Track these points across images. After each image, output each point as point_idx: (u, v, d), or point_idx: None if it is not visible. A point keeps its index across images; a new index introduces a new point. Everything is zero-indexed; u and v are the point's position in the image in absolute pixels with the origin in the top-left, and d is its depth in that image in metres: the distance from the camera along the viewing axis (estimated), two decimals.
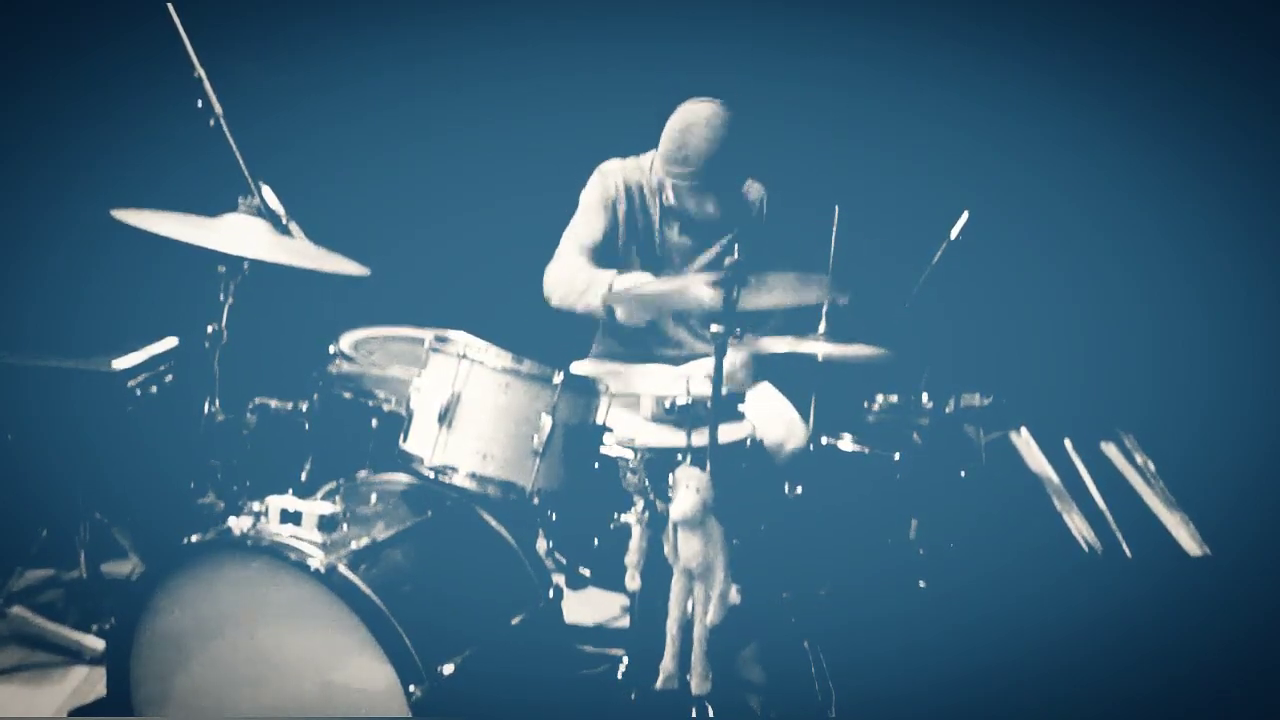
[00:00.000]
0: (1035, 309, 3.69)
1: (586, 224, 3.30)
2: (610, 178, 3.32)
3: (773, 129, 3.64)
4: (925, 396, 3.05)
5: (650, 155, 3.34)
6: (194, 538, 2.24)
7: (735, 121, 3.11)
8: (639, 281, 3.15)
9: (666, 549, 2.45)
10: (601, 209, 3.30)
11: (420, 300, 3.27)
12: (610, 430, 2.59)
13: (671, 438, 2.59)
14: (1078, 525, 3.06)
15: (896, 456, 2.99)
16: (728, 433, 2.70)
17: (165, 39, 2.67)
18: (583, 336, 3.50)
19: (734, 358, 3.15)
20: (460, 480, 2.45)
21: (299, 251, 2.66)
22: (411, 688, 2.10)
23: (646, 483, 2.52)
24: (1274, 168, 3.54)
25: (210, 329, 2.68)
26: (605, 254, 3.30)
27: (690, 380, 2.66)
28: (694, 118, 3.11)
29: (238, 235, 2.56)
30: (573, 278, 3.23)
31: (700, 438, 2.52)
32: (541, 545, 2.82)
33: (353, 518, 2.35)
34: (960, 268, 3.01)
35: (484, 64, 3.88)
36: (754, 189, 3.35)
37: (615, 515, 2.60)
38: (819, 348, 2.86)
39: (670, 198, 3.26)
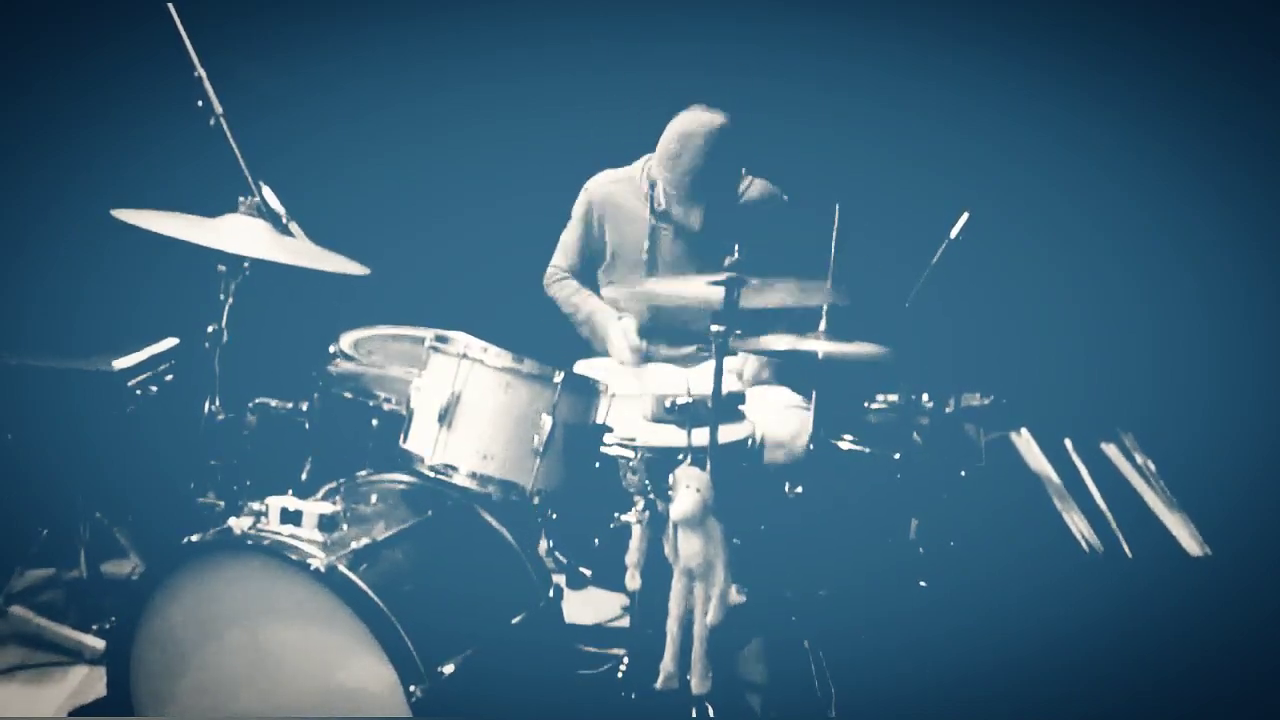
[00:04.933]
0: (1035, 309, 3.69)
1: (568, 238, 3.48)
2: (594, 194, 3.41)
3: (773, 129, 3.64)
4: (925, 396, 3.05)
5: (642, 162, 3.36)
6: (194, 538, 2.24)
7: (734, 137, 3.15)
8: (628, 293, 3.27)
9: (666, 549, 2.45)
10: (581, 225, 3.43)
11: (420, 300, 3.27)
12: (610, 430, 2.59)
13: (672, 438, 2.59)
14: (1078, 525, 3.06)
15: (896, 456, 2.99)
16: (728, 433, 2.70)
17: (165, 39, 2.67)
18: (581, 336, 3.50)
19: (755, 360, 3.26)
20: (460, 480, 2.45)
21: (299, 251, 2.66)
22: (411, 688, 2.10)
23: (647, 483, 2.52)
24: (1274, 168, 3.54)
25: (210, 329, 2.68)
26: (583, 268, 3.47)
27: (691, 380, 2.67)
28: (695, 126, 3.14)
29: (238, 235, 2.56)
30: (560, 287, 3.49)
31: (700, 438, 2.52)
32: (542, 545, 2.82)
33: (353, 518, 2.35)
34: (960, 268, 3.01)
35: (484, 64, 3.88)
36: (755, 186, 3.36)
37: (615, 515, 2.60)
38: (819, 346, 2.86)
39: (661, 201, 3.28)
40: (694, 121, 3.14)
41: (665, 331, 3.41)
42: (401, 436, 2.52)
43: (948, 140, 3.68)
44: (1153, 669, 2.75)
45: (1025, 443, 3.20)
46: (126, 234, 2.54)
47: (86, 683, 2.76)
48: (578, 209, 3.44)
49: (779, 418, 3.06)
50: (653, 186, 3.32)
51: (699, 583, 2.43)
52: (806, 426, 3.04)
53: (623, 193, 3.37)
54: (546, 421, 2.44)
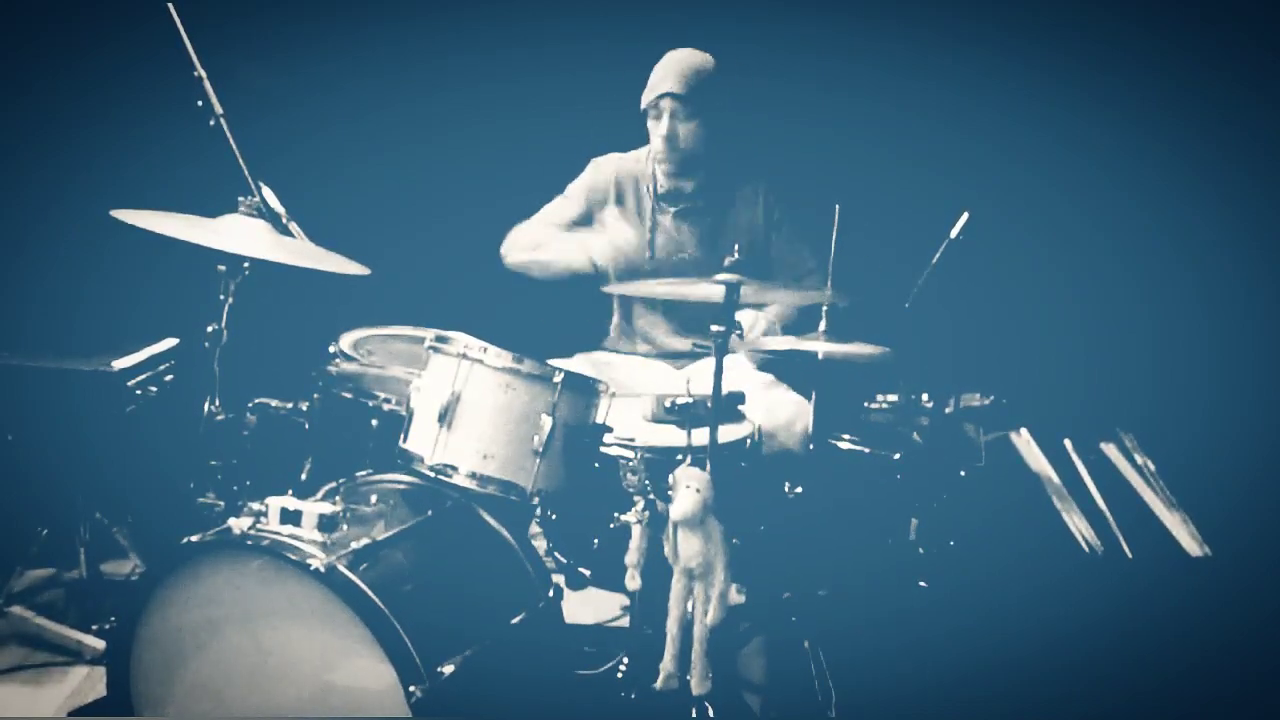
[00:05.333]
0: (1035, 309, 3.69)
1: (561, 207, 3.42)
2: (602, 170, 3.41)
3: (773, 129, 3.64)
4: (925, 396, 3.05)
5: (647, 148, 3.37)
6: (194, 538, 2.24)
7: (719, 71, 3.22)
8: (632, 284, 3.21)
9: (666, 549, 2.45)
10: (583, 198, 3.41)
11: (420, 300, 3.27)
12: (610, 430, 2.59)
13: (671, 437, 2.59)
14: (1078, 525, 3.06)
15: (896, 456, 2.99)
16: (728, 433, 2.70)
17: (165, 39, 2.67)
18: (583, 337, 3.50)
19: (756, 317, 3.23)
20: (460, 480, 2.45)
21: (299, 251, 2.66)
22: (411, 688, 2.10)
23: (646, 483, 2.52)
24: (1274, 168, 3.54)
25: (210, 329, 2.68)
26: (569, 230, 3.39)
27: (691, 380, 2.67)
28: (675, 52, 3.24)
29: (238, 235, 2.56)
30: (533, 236, 3.38)
31: (700, 438, 2.52)
32: (541, 545, 2.82)
33: (353, 518, 2.35)
34: (960, 268, 3.01)
35: (484, 64, 3.88)
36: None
37: (615, 515, 2.60)
38: (819, 346, 2.86)
39: (662, 181, 3.28)
40: (673, 51, 3.25)
41: (665, 326, 3.42)
42: (401, 436, 2.52)
43: (948, 140, 3.68)
44: (1153, 669, 2.75)
45: (1025, 443, 3.20)
46: (126, 234, 2.54)
47: (86, 683, 2.76)
48: (581, 183, 3.43)
49: (777, 407, 3.06)
50: (655, 171, 3.33)
51: (699, 583, 2.43)
52: (802, 415, 3.04)
53: (631, 174, 3.39)
54: (546, 422, 2.44)
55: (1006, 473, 3.15)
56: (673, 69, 3.20)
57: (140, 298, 3.40)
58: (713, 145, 3.25)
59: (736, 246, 2.58)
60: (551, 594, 2.57)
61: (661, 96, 3.19)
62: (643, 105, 3.25)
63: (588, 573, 2.88)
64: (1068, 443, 3.21)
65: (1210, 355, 3.56)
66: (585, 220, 3.39)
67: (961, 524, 2.98)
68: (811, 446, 3.01)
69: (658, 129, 3.22)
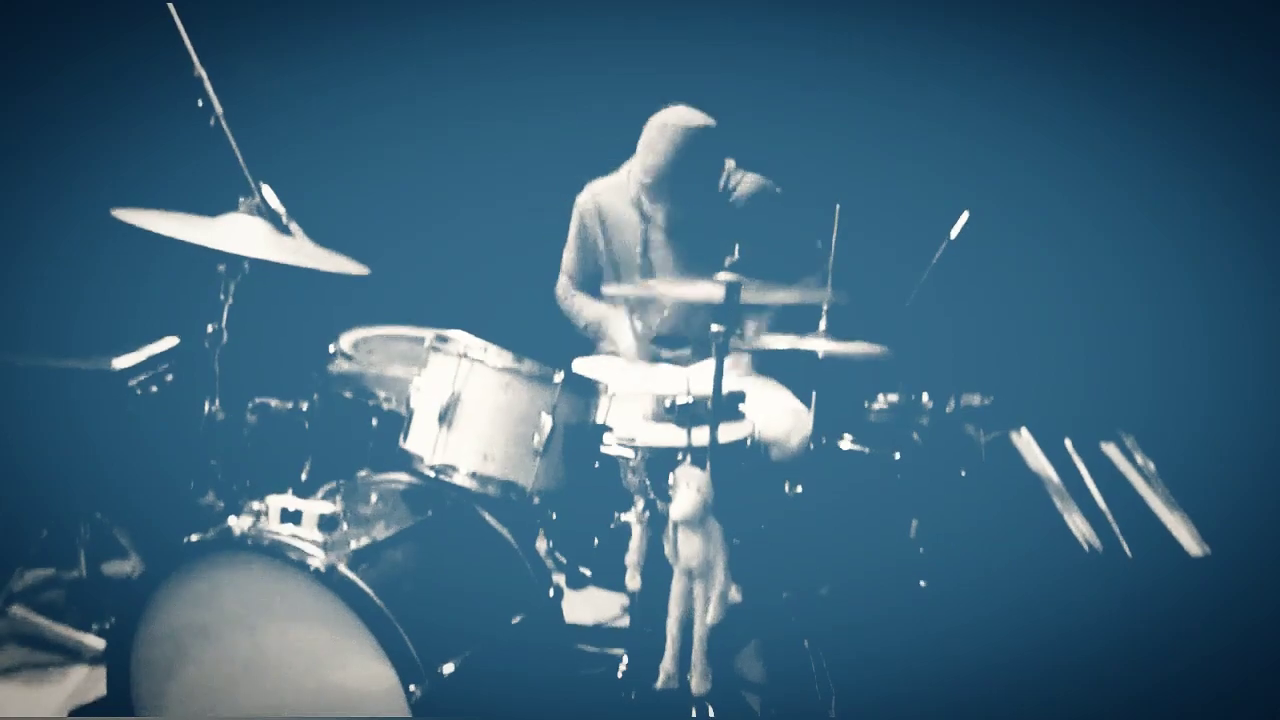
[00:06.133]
0: (1035, 309, 3.69)
1: (568, 252, 3.48)
2: (583, 208, 3.42)
3: (773, 129, 3.64)
4: (925, 396, 3.05)
5: (628, 165, 3.36)
6: (194, 538, 2.24)
7: (710, 139, 3.13)
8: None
9: (666, 549, 2.45)
10: (577, 241, 3.44)
11: (420, 300, 3.27)
12: (610, 430, 2.59)
13: (672, 437, 2.58)
14: (1078, 525, 3.06)
15: (896, 456, 2.99)
16: (728, 432, 2.69)
17: (165, 39, 2.67)
18: (582, 336, 3.50)
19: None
20: (460, 480, 2.45)
21: (299, 251, 2.66)
22: (411, 688, 2.10)
23: (647, 482, 2.52)
24: (1274, 168, 3.54)
25: (210, 329, 2.68)
26: (585, 279, 3.46)
27: (691, 379, 2.67)
28: (671, 119, 3.13)
29: (238, 235, 2.56)
30: (564, 300, 3.50)
31: (700, 437, 2.52)
32: (541, 545, 2.82)
33: (353, 517, 2.35)
34: (960, 268, 3.01)
35: (484, 64, 3.89)
36: (747, 182, 3.34)
37: (615, 515, 2.60)
38: (819, 345, 2.86)
39: (641, 199, 3.28)
40: (672, 115, 3.14)
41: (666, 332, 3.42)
42: (401, 436, 2.52)
43: (948, 140, 3.68)
44: (1152, 669, 2.75)
45: (1025, 443, 3.20)
46: (126, 234, 2.54)
47: (86, 683, 2.76)
48: (572, 225, 3.44)
49: (775, 418, 3.06)
50: (639, 190, 3.32)
51: (699, 583, 2.43)
52: (801, 425, 3.04)
53: (611, 200, 3.36)
54: (546, 421, 2.44)
55: (1006, 473, 3.15)
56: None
57: (140, 298, 3.39)
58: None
59: (736, 246, 2.57)
60: (551, 594, 2.57)
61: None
62: (642, 159, 3.17)
63: (588, 572, 2.89)
64: (1068, 443, 3.20)
65: (1210, 355, 3.56)
66: (591, 267, 3.43)
67: (961, 524, 2.98)
68: (811, 446, 3.01)
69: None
